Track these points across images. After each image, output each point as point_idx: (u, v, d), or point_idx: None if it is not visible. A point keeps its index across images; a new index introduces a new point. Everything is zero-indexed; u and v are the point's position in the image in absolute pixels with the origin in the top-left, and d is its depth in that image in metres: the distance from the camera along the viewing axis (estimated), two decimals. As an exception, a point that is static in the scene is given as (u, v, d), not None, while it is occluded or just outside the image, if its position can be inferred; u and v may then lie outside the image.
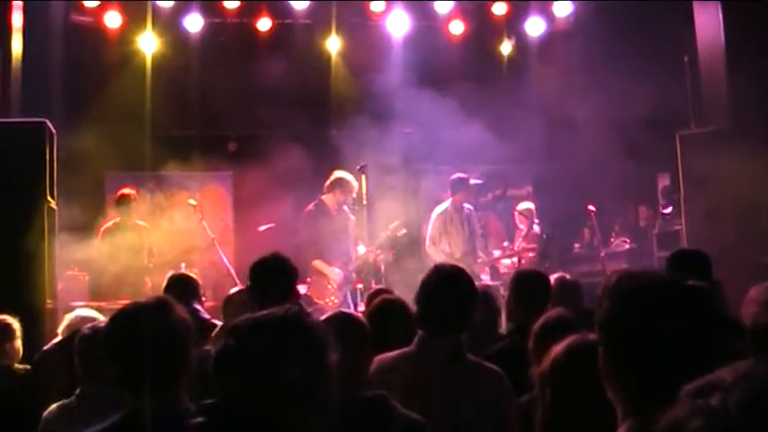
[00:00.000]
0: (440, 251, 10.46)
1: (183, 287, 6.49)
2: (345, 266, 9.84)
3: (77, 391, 3.93)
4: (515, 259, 11.22)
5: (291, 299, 5.00)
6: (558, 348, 2.72)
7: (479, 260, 10.67)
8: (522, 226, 11.44)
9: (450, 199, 10.72)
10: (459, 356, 3.99)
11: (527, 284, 5.46)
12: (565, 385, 2.62)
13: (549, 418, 2.68)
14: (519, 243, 11.35)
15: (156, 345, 2.78)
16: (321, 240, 9.62)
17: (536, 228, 11.26)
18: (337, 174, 9.98)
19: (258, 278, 5.05)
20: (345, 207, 9.97)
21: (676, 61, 11.57)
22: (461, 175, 10.85)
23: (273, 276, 5.00)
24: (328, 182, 9.95)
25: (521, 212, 11.40)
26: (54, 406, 3.92)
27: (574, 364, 2.54)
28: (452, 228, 10.62)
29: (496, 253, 11.41)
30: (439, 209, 10.74)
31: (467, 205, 10.76)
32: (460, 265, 4.57)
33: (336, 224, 9.86)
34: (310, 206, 9.91)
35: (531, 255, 11.05)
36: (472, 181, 11.30)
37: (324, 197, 9.93)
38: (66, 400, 3.92)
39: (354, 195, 9.87)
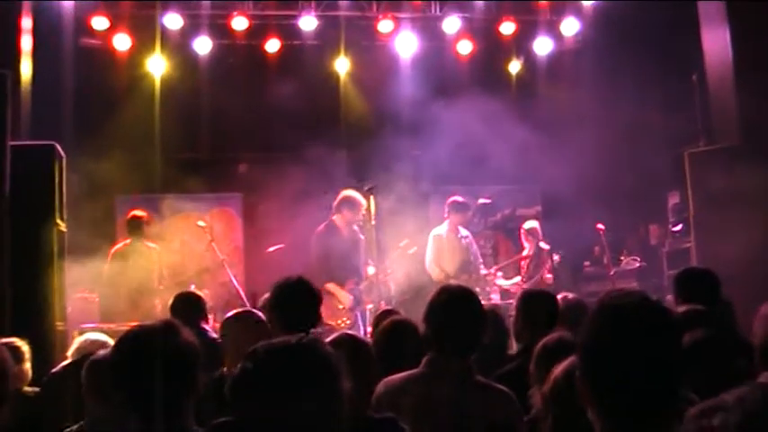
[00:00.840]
0: (439, 270, 10.50)
1: (189, 306, 6.50)
2: (356, 286, 9.83)
3: (86, 418, 3.91)
4: (518, 279, 11.21)
5: (314, 322, 4.96)
6: (558, 371, 2.73)
7: (479, 276, 10.67)
8: (527, 245, 11.40)
9: (447, 221, 10.76)
10: (469, 378, 3.98)
11: (534, 305, 5.44)
12: (566, 407, 2.63)
13: None
14: (526, 262, 11.30)
15: (163, 368, 2.79)
16: (332, 261, 9.61)
17: (543, 245, 11.20)
18: (345, 193, 9.99)
19: (282, 300, 5.00)
20: (355, 226, 9.98)
21: (685, 79, 11.57)
22: (458, 198, 10.90)
23: (298, 299, 4.95)
24: (336, 201, 9.96)
25: (527, 231, 11.36)
26: None
27: (574, 386, 2.55)
28: (449, 249, 10.66)
29: (504, 283, 11.34)
30: (435, 231, 10.80)
31: (464, 231, 10.78)
32: (459, 284, 4.57)
33: (347, 244, 9.86)
34: (321, 227, 9.91)
35: (547, 276, 11.03)
36: (481, 201, 11.30)
37: (334, 217, 9.94)
38: (73, 428, 3.90)
39: (363, 213, 9.87)
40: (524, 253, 11.38)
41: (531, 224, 11.45)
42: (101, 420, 3.78)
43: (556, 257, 11.08)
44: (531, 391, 3.87)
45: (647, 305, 2.21)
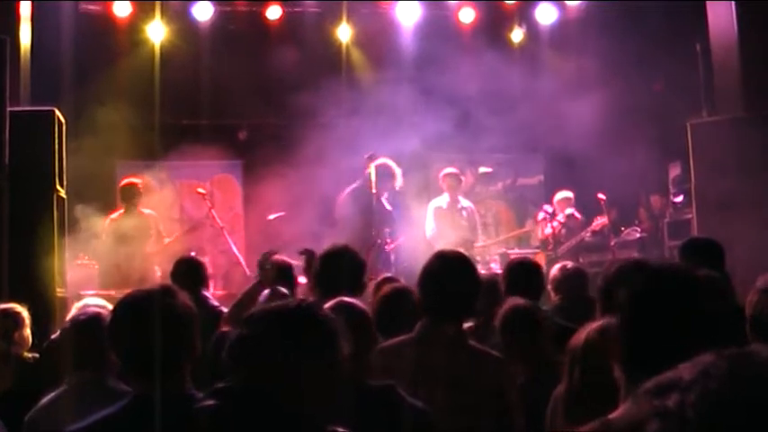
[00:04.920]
0: (439, 239, 10.51)
1: (189, 272, 6.43)
2: (365, 253, 9.80)
3: (66, 380, 3.92)
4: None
5: (359, 291, 4.93)
6: (592, 328, 2.79)
7: (477, 249, 10.68)
8: (560, 214, 11.32)
9: (446, 193, 10.78)
10: (461, 343, 3.99)
11: (518, 274, 5.48)
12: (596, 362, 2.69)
13: (576, 393, 2.74)
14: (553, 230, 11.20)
15: (160, 331, 2.77)
16: (351, 224, 9.59)
17: (576, 214, 11.17)
18: (382, 160, 9.93)
19: (328, 269, 4.94)
20: (384, 197, 9.96)
21: (688, 49, 11.48)
22: (451, 170, 11.00)
23: (343, 268, 4.88)
24: (373, 166, 9.81)
25: (561, 201, 11.34)
26: (42, 402, 3.91)
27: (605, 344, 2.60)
28: (448, 219, 10.67)
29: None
30: (435, 203, 10.85)
31: (464, 202, 10.78)
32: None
33: (372, 210, 9.80)
34: (351, 187, 9.93)
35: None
36: (482, 170, 11.28)
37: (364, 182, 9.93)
38: (51, 395, 3.90)
39: (396, 184, 9.89)
40: (555, 221, 11.28)
41: (565, 194, 11.43)
42: (81, 384, 3.79)
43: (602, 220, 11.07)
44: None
45: (691, 272, 2.24)
